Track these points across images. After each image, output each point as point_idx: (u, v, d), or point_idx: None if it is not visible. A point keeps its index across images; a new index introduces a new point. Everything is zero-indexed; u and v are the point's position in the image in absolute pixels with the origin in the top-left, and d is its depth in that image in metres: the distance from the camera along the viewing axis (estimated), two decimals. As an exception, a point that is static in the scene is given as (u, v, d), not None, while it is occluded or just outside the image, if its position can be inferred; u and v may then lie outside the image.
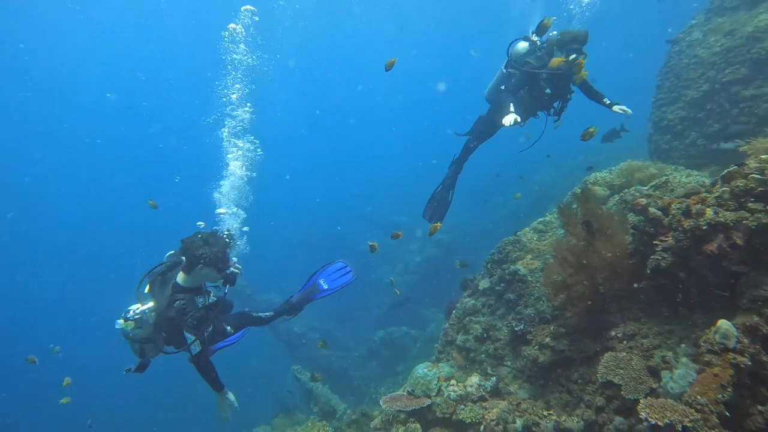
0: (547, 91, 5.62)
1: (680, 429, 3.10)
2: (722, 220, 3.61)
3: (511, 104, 5.30)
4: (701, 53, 8.30)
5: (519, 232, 6.85)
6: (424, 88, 45.75)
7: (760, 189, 3.55)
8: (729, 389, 3.31)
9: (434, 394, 5.19)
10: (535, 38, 5.72)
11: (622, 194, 5.63)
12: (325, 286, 5.06)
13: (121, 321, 3.94)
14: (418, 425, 4.86)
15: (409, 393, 5.33)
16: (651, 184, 5.65)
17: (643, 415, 3.33)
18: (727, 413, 3.21)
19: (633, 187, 5.75)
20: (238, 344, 5.15)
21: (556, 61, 5.21)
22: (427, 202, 6.93)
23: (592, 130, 5.05)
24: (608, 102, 5.56)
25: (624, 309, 4.67)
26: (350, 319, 17.33)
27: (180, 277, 4.10)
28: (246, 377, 16.80)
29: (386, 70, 5.24)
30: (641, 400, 3.49)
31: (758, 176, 3.55)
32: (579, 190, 5.46)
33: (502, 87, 5.91)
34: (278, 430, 6.90)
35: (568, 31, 5.39)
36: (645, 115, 9.47)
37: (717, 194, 3.78)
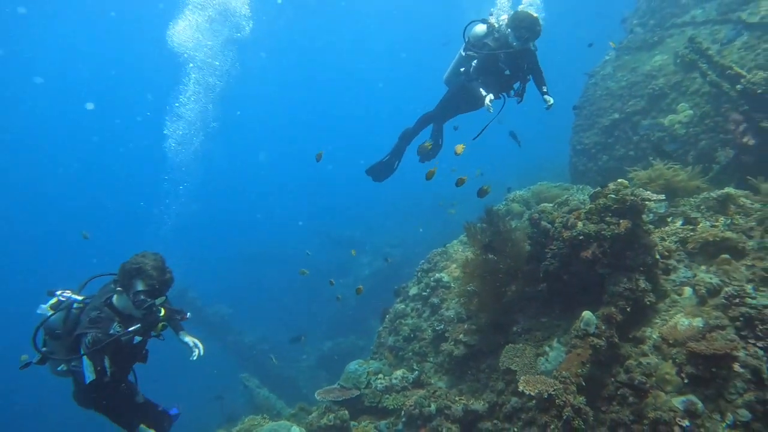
0: (506, 72, 5.77)
1: (546, 396, 3.93)
2: (587, 231, 4.53)
3: (481, 88, 5.53)
4: (611, 86, 9.53)
5: (448, 244, 7.70)
6: (376, 101, 46.82)
7: (615, 206, 4.50)
8: (587, 365, 4.19)
9: (363, 386, 5.89)
10: (493, 20, 5.88)
11: (529, 212, 6.57)
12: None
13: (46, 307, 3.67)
14: (346, 412, 5.54)
15: (341, 386, 6.01)
16: (555, 201, 6.62)
17: (521, 388, 4.15)
18: (584, 383, 4.08)
19: (541, 204, 6.70)
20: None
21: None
22: (373, 164, 6.90)
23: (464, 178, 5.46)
24: (544, 90, 5.83)
25: (525, 308, 5.55)
26: (301, 330, 17.79)
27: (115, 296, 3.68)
28: (195, 393, 16.91)
29: (317, 161, 5.70)
30: (522, 378, 4.31)
31: (614, 196, 4.50)
32: (486, 211, 6.03)
33: (461, 70, 6.08)
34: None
35: (519, 12, 5.62)
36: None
37: (586, 210, 4.71)
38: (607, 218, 4.50)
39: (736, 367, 3.85)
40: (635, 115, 8.76)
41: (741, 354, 3.89)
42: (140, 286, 3.48)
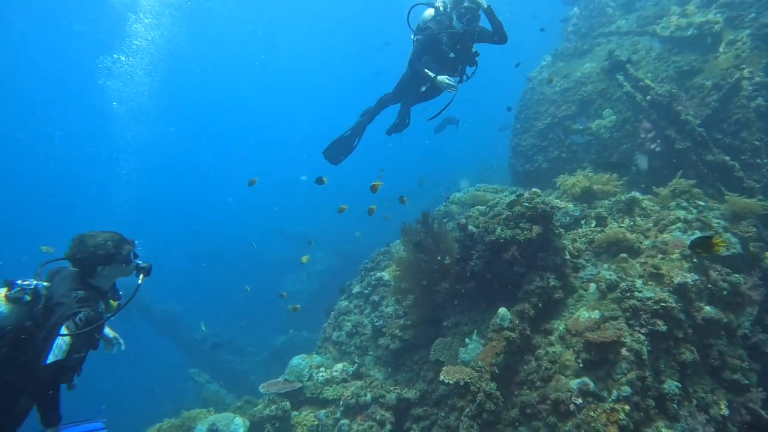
0: (451, 55, 5.76)
1: (462, 384, 4.51)
2: (504, 235, 5.13)
3: (426, 70, 5.57)
4: (547, 91, 10.25)
5: (391, 244, 8.21)
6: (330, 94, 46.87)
7: (528, 213, 5.11)
8: (501, 355, 4.79)
9: (306, 379, 6.36)
10: (439, 4, 5.86)
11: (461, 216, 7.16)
12: None
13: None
14: (287, 403, 5.99)
15: (285, 380, 6.45)
16: (487, 204, 7.23)
17: (441, 377, 4.71)
18: (497, 371, 4.68)
19: (472, 209, 7.31)
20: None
21: None
22: (331, 142, 6.89)
23: (377, 183, 5.78)
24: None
25: (455, 304, 6.12)
26: (254, 325, 18.02)
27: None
28: (141, 388, 16.93)
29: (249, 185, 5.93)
30: (443, 368, 4.88)
31: (527, 204, 5.10)
32: (422, 214, 6.48)
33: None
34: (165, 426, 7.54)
35: None
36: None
37: (504, 216, 5.31)
38: (521, 224, 5.11)
39: (623, 351, 4.55)
40: (567, 120, 9.51)
41: (627, 340, 4.59)
42: (126, 251, 3.59)
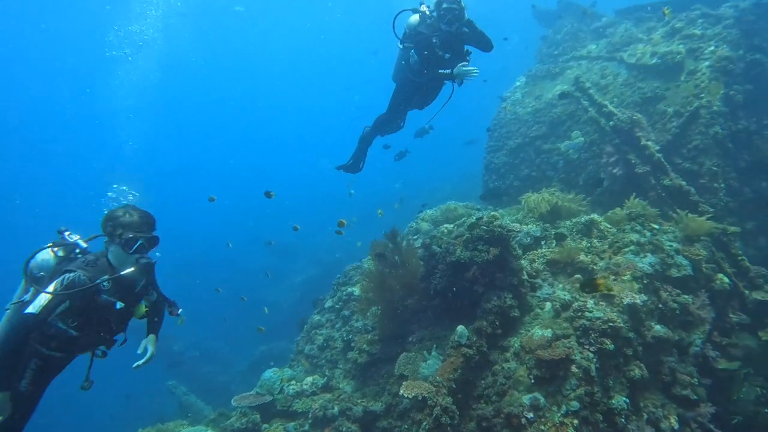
0: (446, 56, 5.85)
1: (420, 398, 4.80)
2: (464, 256, 5.45)
3: (440, 71, 5.75)
4: (519, 111, 10.68)
5: (364, 259, 8.50)
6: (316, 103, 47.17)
7: (486, 236, 5.44)
8: (459, 371, 5.09)
9: (277, 392, 6.61)
10: (424, 8, 5.95)
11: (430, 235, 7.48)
12: None
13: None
14: (258, 416, 6.24)
15: (257, 393, 6.69)
16: (457, 222, 7.56)
17: (401, 392, 5.00)
18: (454, 386, 4.98)
19: (444, 226, 7.63)
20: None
21: None
22: (341, 164, 7.06)
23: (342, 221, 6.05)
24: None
25: (420, 320, 6.42)
26: (235, 335, 18.13)
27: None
28: (119, 394, 16.90)
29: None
30: (404, 383, 5.17)
31: (485, 227, 5.44)
32: (390, 231, 6.81)
33: (403, 63, 6.20)
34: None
35: None
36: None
37: (464, 238, 5.63)
38: (479, 246, 5.44)
39: (573, 368, 4.88)
40: (538, 140, 9.92)
41: (577, 357, 4.91)
42: (130, 234, 3.41)
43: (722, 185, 7.76)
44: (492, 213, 5.71)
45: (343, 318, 7.36)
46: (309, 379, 6.70)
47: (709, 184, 7.78)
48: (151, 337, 3.92)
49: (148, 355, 3.78)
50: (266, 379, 6.75)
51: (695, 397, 5.49)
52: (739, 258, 6.83)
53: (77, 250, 3.55)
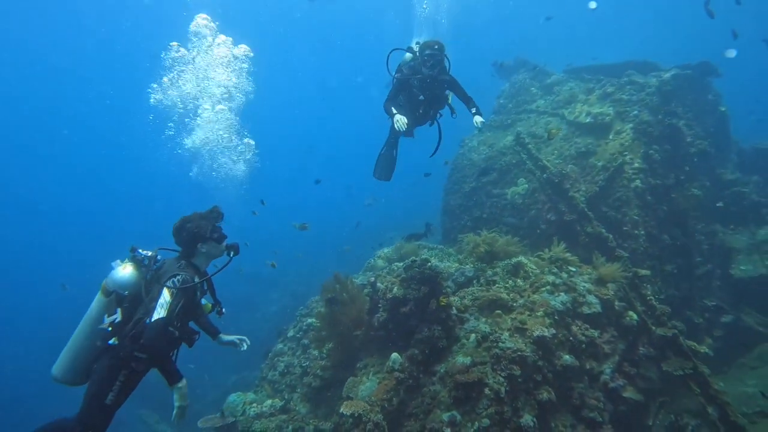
0: (420, 98, 6.36)
1: (356, 415, 5.82)
2: (399, 294, 6.56)
3: (392, 107, 6.12)
4: (474, 157, 11.94)
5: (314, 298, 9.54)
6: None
7: (419, 276, 6.57)
8: (392, 392, 6.14)
9: (239, 414, 7.56)
10: (415, 47, 6.52)
11: (375, 275, 8.59)
12: None
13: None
14: (221, 435, 7.21)
15: (222, 415, 7.63)
16: (407, 260, 8.68)
17: (341, 410, 6.02)
18: (387, 405, 6.02)
19: (395, 264, 8.75)
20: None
21: None
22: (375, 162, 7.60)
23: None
24: (474, 111, 6.32)
25: (367, 348, 7.46)
26: (208, 364, 18.78)
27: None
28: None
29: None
30: (344, 402, 6.19)
31: (417, 269, 6.57)
32: (334, 275, 7.95)
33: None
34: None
35: (428, 40, 6.32)
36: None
37: (401, 277, 6.75)
38: (413, 285, 6.56)
39: (486, 390, 5.94)
40: (488, 185, 11.16)
41: (490, 381, 5.98)
42: (217, 232, 4.17)
43: (642, 232, 9.00)
44: (423, 257, 6.84)
45: (303, 346, 8.37)
46: (269, 401, 7.67)
47: (630, 231, 9.01)
48: (222, 335, 4.71)
49: (246, 339, 4.73)
50: (230, 402, 7.71)
51: (600, 419, 6.56)
52: (647, 297, 8.00)
53: (154, 264, 4.04)
